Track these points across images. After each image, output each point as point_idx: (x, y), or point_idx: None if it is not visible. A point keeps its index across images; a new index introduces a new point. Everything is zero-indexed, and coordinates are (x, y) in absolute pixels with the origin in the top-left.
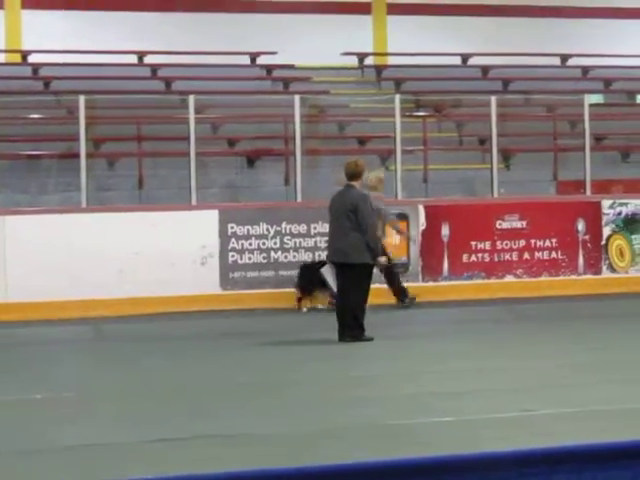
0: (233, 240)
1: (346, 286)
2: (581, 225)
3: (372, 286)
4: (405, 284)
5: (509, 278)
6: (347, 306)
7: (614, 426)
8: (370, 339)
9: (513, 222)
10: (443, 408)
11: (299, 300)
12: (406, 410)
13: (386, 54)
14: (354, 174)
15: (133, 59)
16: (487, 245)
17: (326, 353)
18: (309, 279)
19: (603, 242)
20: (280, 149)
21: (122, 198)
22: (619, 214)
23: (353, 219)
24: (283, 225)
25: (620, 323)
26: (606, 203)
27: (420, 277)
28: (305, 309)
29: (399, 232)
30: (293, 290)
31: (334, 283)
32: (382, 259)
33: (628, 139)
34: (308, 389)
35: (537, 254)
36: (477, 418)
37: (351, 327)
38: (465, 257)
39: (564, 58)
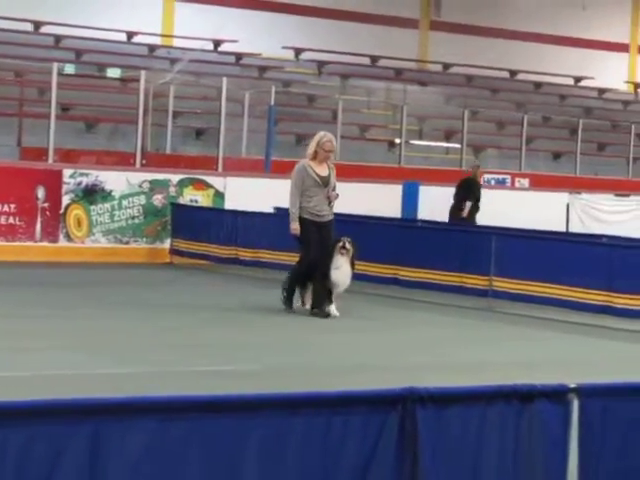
0: None
1: None
2: (41, 192)
3: None
4: None
5: None
6: None
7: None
8: None
9: None
10: None
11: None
12: None
13: None
14: None
15: None
16: None
17: None
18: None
19: (62, 211)
20: None
21: None
22: (79, 184)
23: None
24: None
25: (79, 291)
26: (67, 172)
27: None
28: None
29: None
30: None
31: None
32: None
33: (95, 110)
34: None
35: None
36: None
37: None
38: None
39: (37, 25)
